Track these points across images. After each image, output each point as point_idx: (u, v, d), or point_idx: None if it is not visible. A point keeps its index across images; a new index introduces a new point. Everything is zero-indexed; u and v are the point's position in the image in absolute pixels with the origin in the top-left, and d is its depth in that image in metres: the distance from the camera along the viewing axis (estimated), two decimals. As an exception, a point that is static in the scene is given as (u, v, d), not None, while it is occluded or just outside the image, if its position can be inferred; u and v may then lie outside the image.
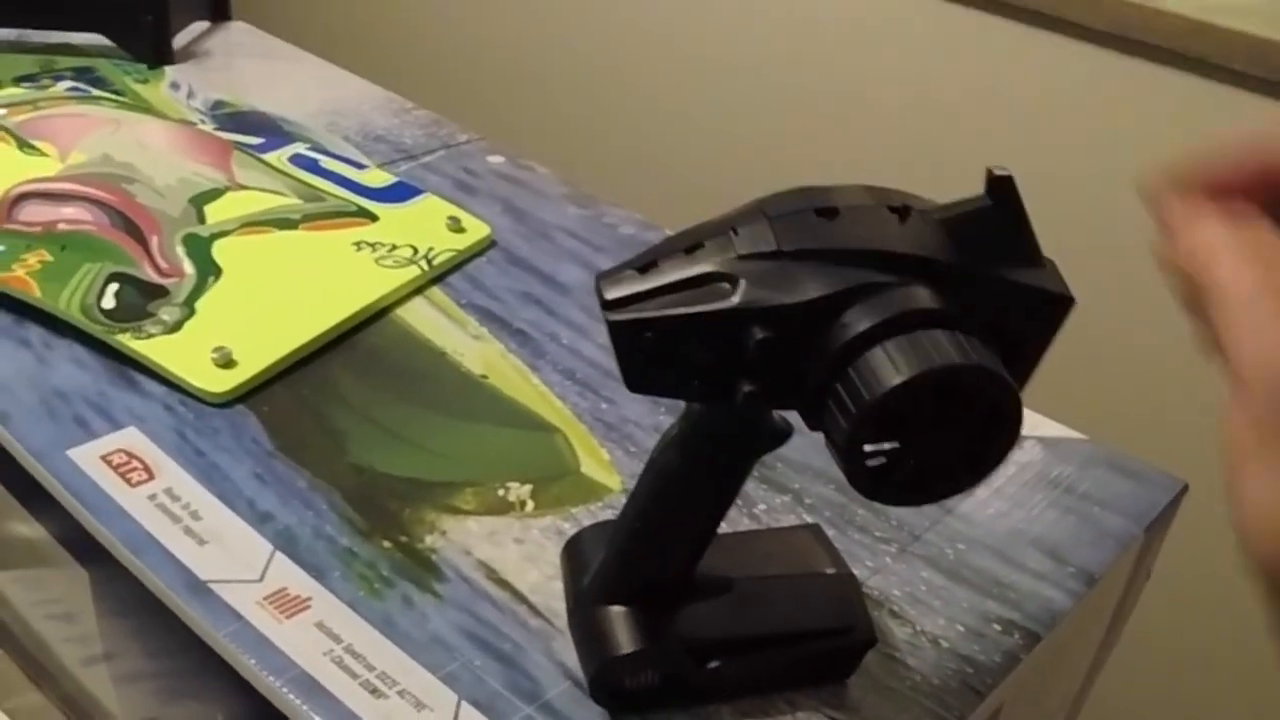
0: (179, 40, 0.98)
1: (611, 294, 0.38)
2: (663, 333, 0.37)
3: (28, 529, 0.60)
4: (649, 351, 0.38)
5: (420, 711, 0.45)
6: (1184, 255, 0.30)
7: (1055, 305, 0.39)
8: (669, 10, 1.54)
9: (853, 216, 0.38)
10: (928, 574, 0.54)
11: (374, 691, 0.46)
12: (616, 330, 0.38)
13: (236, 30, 1.04)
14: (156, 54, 0.94)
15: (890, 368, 0.35)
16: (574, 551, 0.49)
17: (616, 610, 0.45)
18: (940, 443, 0.36)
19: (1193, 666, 1.25)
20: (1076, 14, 1.14)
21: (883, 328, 0.36)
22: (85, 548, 0.54)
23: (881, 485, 0.37)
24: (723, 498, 0.44)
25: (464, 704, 0.46)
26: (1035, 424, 0.64)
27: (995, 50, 1.24)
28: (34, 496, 0.56)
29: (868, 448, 0.36)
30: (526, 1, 1.78)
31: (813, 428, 0.38)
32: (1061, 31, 1.17)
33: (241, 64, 0.97)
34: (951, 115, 1.29)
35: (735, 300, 0.37)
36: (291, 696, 0.45)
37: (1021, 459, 0.61)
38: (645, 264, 0.39)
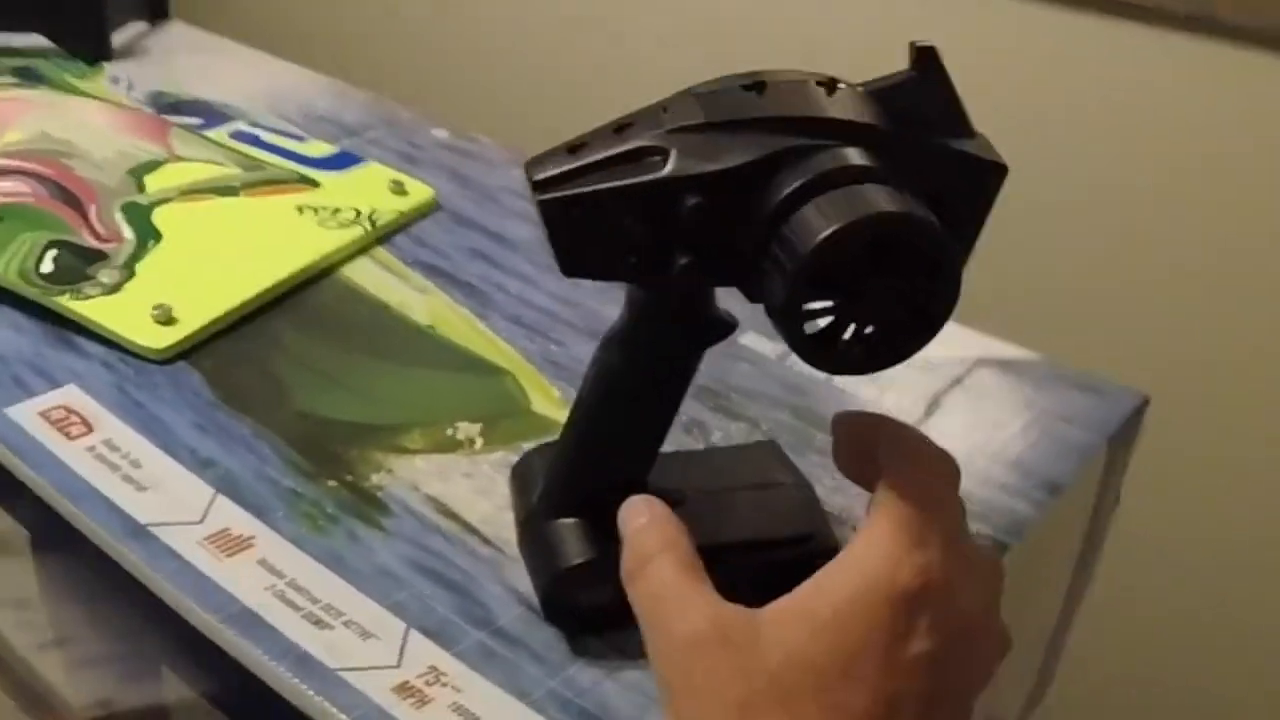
0: (117, 39, 0.97)
1: (540, 175, 0.37)
2: (594, 209, 0.37)
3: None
4: (582, 230, 0.37)
5: (366, 640, 0.44)
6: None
7: (988, 174, 0.38)
8: None
9: (780, 90, 0.38)
10: (888, 490, 0.53)
11: (318, 623, 0.44)
12: (547, 210, 0.37)
13: (175, 29, 1.03)
14: (95, 50, 0.92)
15: (821, 219, 0.34)
16: (521, 473, 0.48)
17: (566, 522, 0.44)
18: (880, 300, 0.36)
19: (1170, 605, 1.24)
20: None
21: (814, 185, 0.35)
22: (36, 534, 0.53)
23: (826, 351, 0.36)
24: (670, 393, 0.42)
25: (412, 631, 0.44)
26: (989, 347, 0.63)
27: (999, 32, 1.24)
28: (8, 495, 0.54)
29: (809, 307, 0.35)
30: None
31: (753, 299, 0.38)
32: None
33: (181, 59, 0.95)
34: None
35: (666, 170, 0.36)
36: (231, 632, 0.44)
37: (979, 381, 0.60)
38: (575, 145, 0.38)
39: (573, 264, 0.38)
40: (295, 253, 0.65)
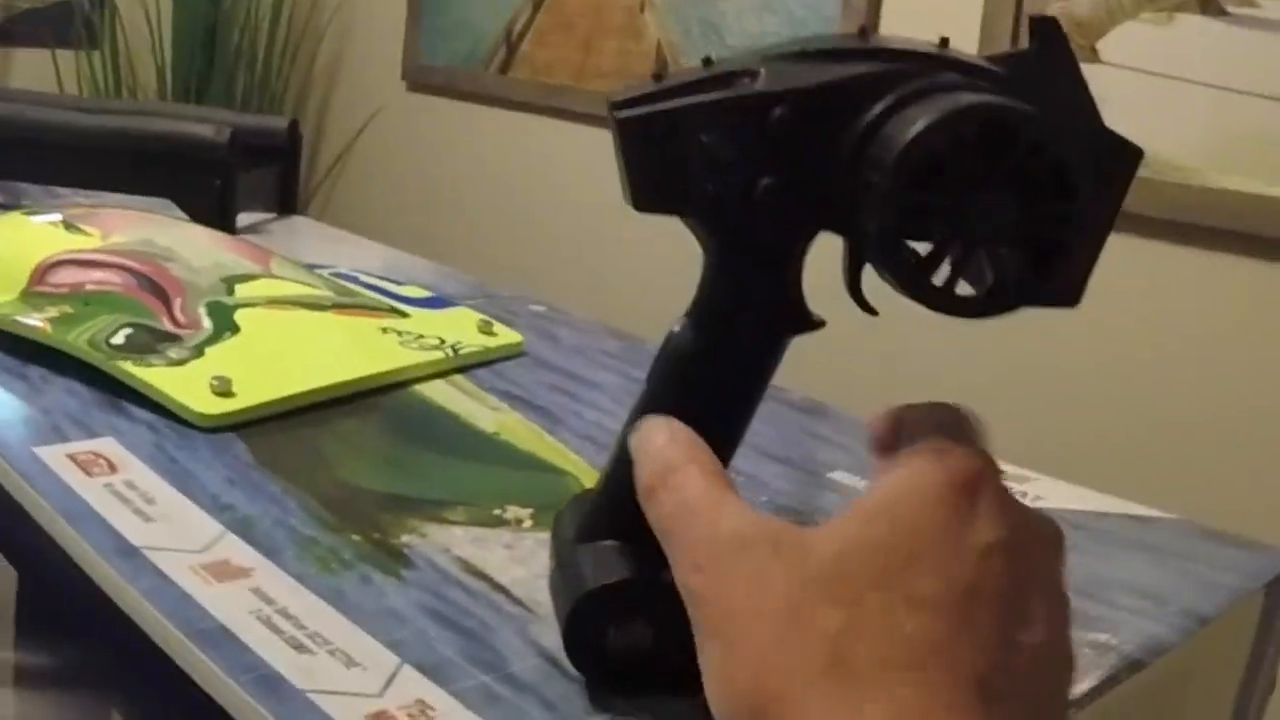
0: (244, 220, 1.01)
1: (621, 96, 0.34)
2: (676, 125, 0.33)
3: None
4: (660, 151, 0.34)
5: (350, 668, 0.37)
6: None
7: (1123, 154, 0.34)
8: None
9: (886, 38, 0.35)
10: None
11: (299, 647, 0.38)
12: (625, 128, 0.34)
13: (299, 223, 1.07)
14: (221, 222, 0.96)
15: (919, 114, 0.30)
16: (565, 516, 0.41)
17: (603, 544, 0.37)
18: (989, 218, 0.31)
19: None
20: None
21: (911, 98, 0.31)
22: (19, 561, 0.48)
23: (929, 284, 0.31)
24: (743, 390, 0.37)
25: (406, 666, 0.37)
26: (1119, 505, 0.55)
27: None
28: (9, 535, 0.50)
29: (908, 242, 0.31)
30: (568, 191, 1.86)
31: (845, 234, 0.33)
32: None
33: (301, 240, 0.98)
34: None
35: (756, 87, 0.33)
36: (193, 646, 0.37)
37: (1106, 527, 0.52)
38: (659, 73, 0.35)
39: (646, 192, 0.34)
40: (370, 360, 0.63)
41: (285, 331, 0.64)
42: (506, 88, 2.04)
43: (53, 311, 0.62)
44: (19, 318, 0.61)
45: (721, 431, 0.36)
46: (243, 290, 0.68)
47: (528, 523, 0.48)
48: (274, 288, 0.69)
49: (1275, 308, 1.13)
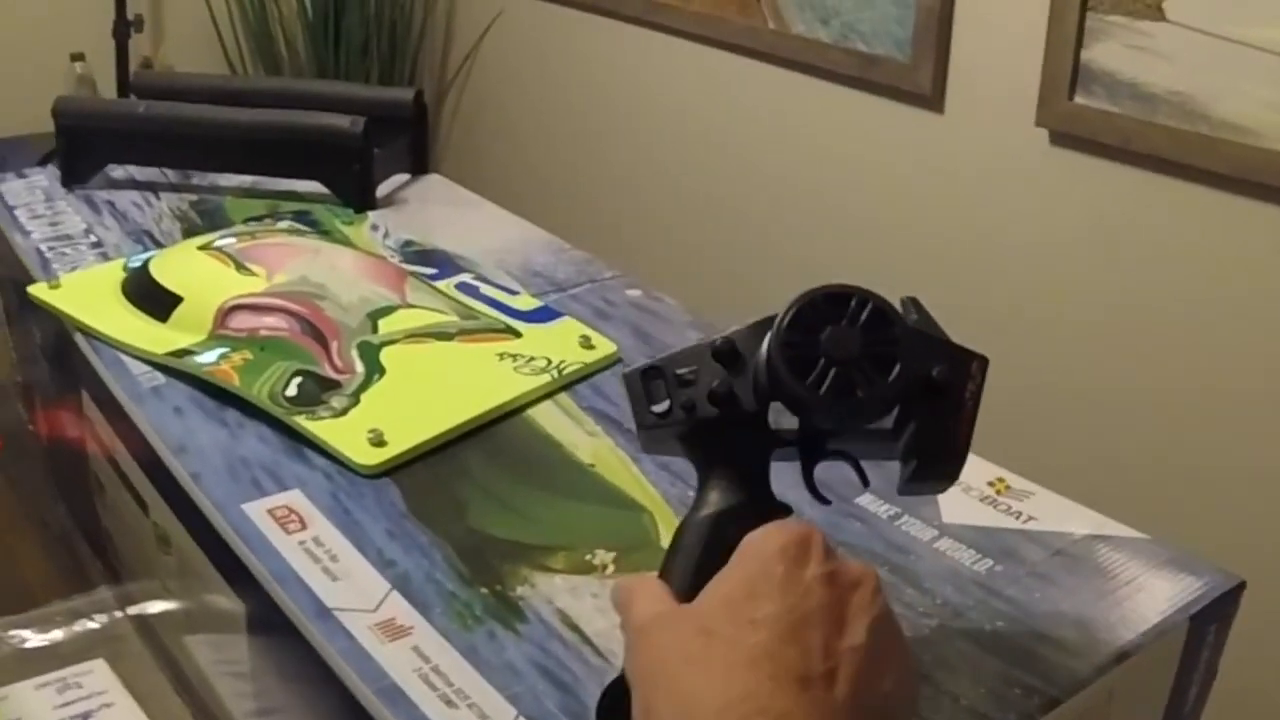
0: (383, 188, 1.15)
1: (628, 368, 0.49)
2: (660, 369, 0.53)
3: (207, 583, 0.71)
4: (650, 391, 0.52)
5: (484, 721, 0.53)
6: None
7: (970, 357, 0.51)
8: (796, 171, 1.64)
9: None
10: (963, 645, 0.58)
11: (449, 703, 0.54)
12: (629, 381, 0.48)
13: (432, 182, 1.20)
14: (361, 200, 1.10)
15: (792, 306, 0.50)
16: None
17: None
18: (844, 344, 0.48)
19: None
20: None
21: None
22: (251, 609, 0.66)
23: (819, 393, 0.48)
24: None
25: (521, 718, 0.53)
26: (1098, 524, 0.67)
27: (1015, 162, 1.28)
28: (215, 553, 0.68)
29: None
30: (673, 160, 1.93)
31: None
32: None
33: (431, 210, 1.12)
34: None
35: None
36: (378, 702, 0.54)
37: (1078, 551, 0.65)
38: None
39: (645, 426, 0.49)
40: (491, 394, 0.78)
41: (422, 370, 0.80)
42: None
43: (236, 358, 0.79)
44: (210, 368, 0.77)
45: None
46: (385, 326, 0.83)
47: (611, 568, 0.64)
48: (409, 319, 0.84)
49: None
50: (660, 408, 0.51)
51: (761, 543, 0.46)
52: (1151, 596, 0.61)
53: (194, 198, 1.12)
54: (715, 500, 0.50)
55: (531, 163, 2.38)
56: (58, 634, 0.83)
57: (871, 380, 0.48)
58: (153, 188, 1.14)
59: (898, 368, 0.48)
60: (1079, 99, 1.25)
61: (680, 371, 0.51)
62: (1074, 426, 1.37)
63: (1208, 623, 0.61)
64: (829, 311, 0.48)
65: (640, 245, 2.04)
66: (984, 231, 1.42)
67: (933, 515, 0.68)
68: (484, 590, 0.62)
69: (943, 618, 0.60)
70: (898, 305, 0.51)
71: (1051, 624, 0.59)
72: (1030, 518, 0.68)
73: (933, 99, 1.42)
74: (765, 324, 0.50)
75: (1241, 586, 0.63)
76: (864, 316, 0.48)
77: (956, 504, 0.69)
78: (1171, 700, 0.63)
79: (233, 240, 0.91)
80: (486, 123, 2.52)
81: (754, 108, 1.76)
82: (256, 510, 0.67)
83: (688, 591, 0.48)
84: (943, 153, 1.44)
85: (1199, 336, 1.22)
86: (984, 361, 0.50)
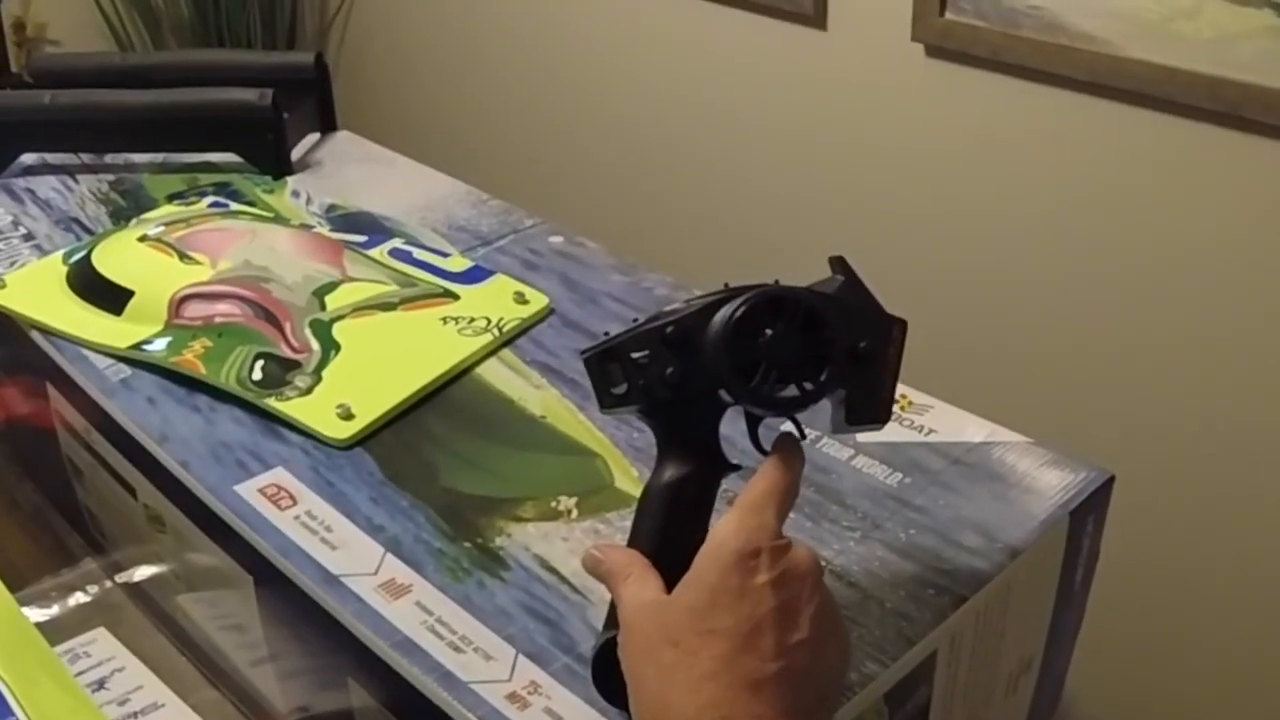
0: (296, 152, 1.19)
1: (586, 348, 0.58)
2: (616, 351, 0.59)
3: (210, 558, 0.78)
4: (608, 373, 0.59)
5: (489, 662, 0.62)
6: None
7: (893, 322, 0.58)
8: (707, 100, 1.71)
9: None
10: (883, 553, 0.68)
11: (456, 649, 0.63)
12: (590, 362, 0.59)
13: (342, 139, 1.24)
14: (278, 168, 1.15)
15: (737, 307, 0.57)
16: None
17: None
18: (782, 346, 0.56)
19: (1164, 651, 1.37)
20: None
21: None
22: (252, 571, 0.73)
23: (759, 385, 0.56)
24: (701, 512, 0.59)
25: (520, 656, 0.62)
26: (989, 431, 0.78)
27: (991, 106, 1.38)
28: (215, 532, 0.75)
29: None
30: (567, 86, 1.98)
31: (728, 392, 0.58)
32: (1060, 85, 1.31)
33: (347, 170, 1.17)
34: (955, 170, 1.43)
35: (658, 322, 0.58)
36: (396, 654, 0.62)
37: (973, 459, 0.76)
38: (607, 331, 0.58)
39: (607, 399, 0.59)
40: (441, 357, 0.85)
41: (374, 341, 0.86)
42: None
43: (197, 347, 0.84)
44: (175, 359, 0.83)
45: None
46: (331, 302, 0.89)
47: (575, 512, 0.72)
48: (354, 293, 0.90)
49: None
50: (619, 390, 0.58)
51: (719, 547, 0.52)
52: (1038, 497, 0.72)
53: (112, 178, 1.15)
54: (674, 466, 0.58)
55: (429, 98, 2.39)
56: (54, 609, 0.89)
57: (806, 379, 0.56)
58: (69, 171, 1.16)
59: (828, 370, 0.56)
60: (949, 15, 1.34)
61: (635, 355, 0.58)
62: (957, 331, 1.48)
63: (1086, 514, 0.73)
64: (768, 316, 0.56)
65: (543, 175, 2.09)
66: (869, 143, 1.51)
67: (848, 436, 0.78)
68: (467, 545, 0.70)
69: (864, 530, 0.70)
70: (826, 265, 0.58)
71: (955, 528, 0.70)
72: (931, 430, 0.78)
73: (815, 18, 1.50)
74: (711, 309, 0.57)
75: (1111, 480, 0.74)
76: (800, 320, 0.56)
77: (867, 425, 0.79)
78: (1061, 585, 0.74)
79: (168, 228, 0.95)
80: (376, 60, 2.52)
81: (641, 30, 1.81)
82: (249, 490, 0.74)
83: (656, 552, 0.57)
84: (827, 68, 1.52)
85: (1066, 231, 1.34)
86: (903, 325, 0.58)
